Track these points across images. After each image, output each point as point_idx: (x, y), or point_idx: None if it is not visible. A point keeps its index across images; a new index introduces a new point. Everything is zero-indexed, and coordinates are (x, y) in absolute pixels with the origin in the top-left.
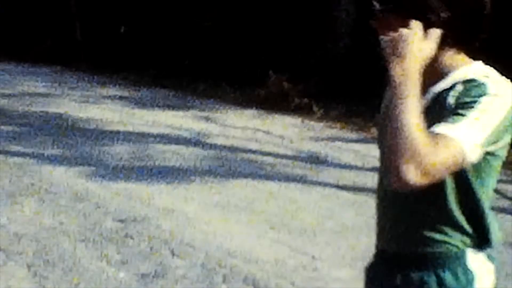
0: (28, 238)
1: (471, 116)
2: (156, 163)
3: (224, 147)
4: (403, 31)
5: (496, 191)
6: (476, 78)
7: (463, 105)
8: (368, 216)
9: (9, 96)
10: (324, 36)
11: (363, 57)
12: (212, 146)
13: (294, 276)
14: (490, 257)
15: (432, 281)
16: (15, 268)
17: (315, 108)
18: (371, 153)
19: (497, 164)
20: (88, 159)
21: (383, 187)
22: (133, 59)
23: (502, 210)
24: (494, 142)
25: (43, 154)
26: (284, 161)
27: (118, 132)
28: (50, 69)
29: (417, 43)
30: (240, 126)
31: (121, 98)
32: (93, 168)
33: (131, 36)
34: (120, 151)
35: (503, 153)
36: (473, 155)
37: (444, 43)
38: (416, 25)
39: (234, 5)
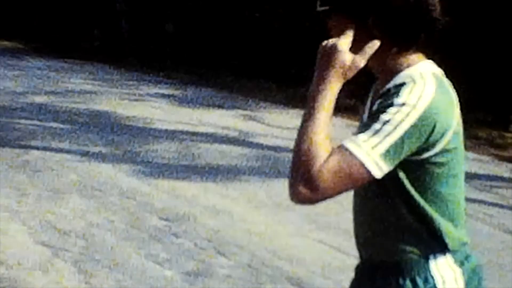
0: (74, 235)
1: (373, 128)
2: (202, 162)
3: (269, 146)
4: (330, 42)
5: None
6: (404, 83)
7: (372, 116)
8: None
9: (55, 93)
10: None
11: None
12: (257, 145)
13: (339, 277)
14: (459, 260)
15: None
16: (62, 264)
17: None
18: None
19: (442, 171)
20: (134, 157)
21: (356, 194)
22: (179, 57)
23: None
24: (420, 151)
25: (89, 152)
26: None
27: (164, 131)
28: (97, 66)
29: (344, 55)
30: (285, 125)
31: (167, 96)
32: (140, 166)
33: (177, 35)
34: (166, 149)
35: (449, 158)
36: (373, 168)
37: (386, 46)
38: (347, 36)
39: (278, 5)
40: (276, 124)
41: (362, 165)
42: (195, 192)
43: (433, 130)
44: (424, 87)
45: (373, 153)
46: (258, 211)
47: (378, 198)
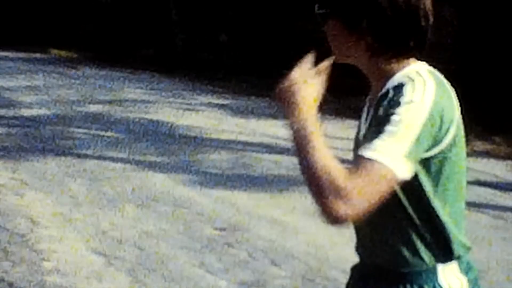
0: (129, 244)
1: (388, 131)
2: (256, 172)
3: None
4: (287, 82)
5: None
6: (403, 83)
7: (381, 120)
8: (466, 230)
9: (110, 102)
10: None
11: (466, 64)
12: None
13: None
14: (464, 269)
15: None
16: (116, 273)
17: None
18: (470, 166)
19: (448, 167)
20: (188, 167)
21: None
22: (233, 67)
23: None
24: (430, 148)
25: (143, 161)
26: None
27: (218, 140)
28: (151, 76)
29: (304, 89)
30: (339, 136)
31: (221, 106)
32: (193, 176)
33: (231, 45)
34: (220, 159)
35: (454, 153)
36: (401, 171)
37: (378, 50)
38: (300, 69)
39: None
40: (329, 135)
41: (390, 170)
42: (249, 202)
43: (441, 124)
44: (425, 83)
45: (397, 156)
46: (313, 222)
47: (385, 203)
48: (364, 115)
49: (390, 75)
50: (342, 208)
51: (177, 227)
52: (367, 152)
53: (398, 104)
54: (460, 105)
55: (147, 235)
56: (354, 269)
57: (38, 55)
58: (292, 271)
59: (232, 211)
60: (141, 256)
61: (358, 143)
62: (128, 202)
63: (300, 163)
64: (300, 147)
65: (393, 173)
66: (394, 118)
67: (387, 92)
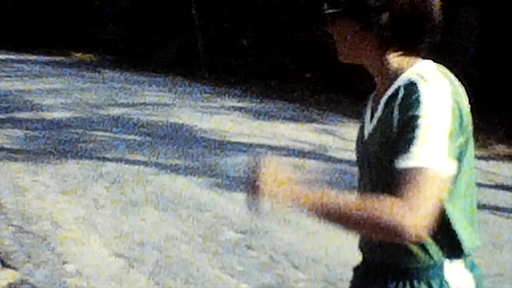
0: (150, 247)
1: (420, 135)
2: None
3: (345, 160)
4: (255, 186)
5: None
6: (414, 82)
7: (408, 126)
8: (491, 234)
9: (132, 105)
10: (448, 45)
11: (488, 68)
12: (332, 159)
13: None
14: (469, 266)
15: None
16: (137, 276)
17: None
18: (492, 170)
19: (464, 163)
20: (209, 170)
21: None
22: (254, 70)
23: None
24: (459, 143)
25: (165, 164)
26: None
27: (239, 143)
28: (173, 79)
29: (273, 184)
30: None
31: (242, 109)
32: (215, 179)
33: (252, 48)
34: (242, 162)
35: (468, 148)
36: (448, 168)
37: (389, 46)
38: (266, 170)
39: None
40: (351, 138)
41: (439, 172)
42: (271, 206)
43: (461, 120)
44: (438, 80)
45: (439, 157)
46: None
47: (390, 195)
48: (367, 114)
49: (398, 73)
50: (413, 224)
51: (198, 230)
52: (409, 162)
53: (418, 105)
54: (482, 109)
55: (168, 238)
56: (357, 269)
57: (59, 59)
58: (313, 275)
59: (253, 214)
60: (162, 259)
61: (363, 142)
62: (149, 205)
63: (349, 226)
64: (332, 216)
65: (442, 174)
66: (420, 121)
67: (397, 90)
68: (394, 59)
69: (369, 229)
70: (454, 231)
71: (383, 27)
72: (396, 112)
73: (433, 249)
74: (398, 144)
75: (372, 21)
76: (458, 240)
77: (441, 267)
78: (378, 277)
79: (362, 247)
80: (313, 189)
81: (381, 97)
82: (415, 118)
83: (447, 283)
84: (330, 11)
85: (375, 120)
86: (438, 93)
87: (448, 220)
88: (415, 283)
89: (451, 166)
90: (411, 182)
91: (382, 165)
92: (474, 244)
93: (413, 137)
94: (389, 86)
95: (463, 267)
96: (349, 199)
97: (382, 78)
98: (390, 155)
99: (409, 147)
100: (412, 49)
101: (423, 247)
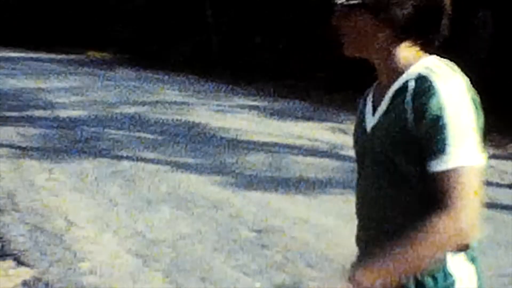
0: (164, 245)
1: (453, 135)
2: (292, 174)
3: None
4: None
5: None
6: (425, 75)
7: (435, 127)
8: (506, 233)
9: (146, 104)
10: (466, 46)
11: (502, 67)
12: (347, 158)
13: None
14: (471, 259)
15: (411, 285)
16: (152, 274)
17: None
18: (508, 169)
19: None
20: (224, 168)
21: (361, 191)
22: (269, 69)
23: None
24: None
25: (179, 162)
26: None
27: (253, 142)
28: (187, 78)
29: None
30: None
31: (256, 108)
32: (230, 177)
33: (266, 47)
34: (256, 161)
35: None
36: (480, 161)
37: (403, 40)
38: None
39: None
40: None
41: (474, 167)
42: (285, 204)
43: (476, 111)
44: (448, 74)
45: (471, 152)
46: (348, 224)
47: (396, 191)
48: (368, 107)
49: (405, 67)
50: (469, 224)
51: (212, 229)
52: (445, 164)
53: (437, 101)
54: (496, 108)
55: (183, 236)
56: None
57: (74, 57)
58: (328, 273)
59: (267, 213)
60: (177, 257)
61: (366, 136)
62: (164, 203)
63: (422, 262)
64: (402, 268)
65: (478, 167)
66: (447, 120)
67: (405, 84)
68: (403, 53)
69: (436, 252)
70: None
71: (402, 20)
72: (409, 107)
73: None
74: (427, 147)
75: (391, 15)
76: None
77: (444, 259)
78: None
79: (361, 241)
80: (371, 268)
81: (384, 90)
82: (440, 117)
83: (451, 275)
84: (349, 2)
85: (379, 114)
86: (456, 88)
87: None
88: (419, 276)
89: (482, 157)
90: (452, 185)
91: (390, 160)
92: (476, 237)
93: (444, 138)
94: (395, 79)
95: (465, 259)
96: (398, 245)
97: (388, 71)
98: (406, 153)
99: (442, 148)
100: (426, 44)
101: None
